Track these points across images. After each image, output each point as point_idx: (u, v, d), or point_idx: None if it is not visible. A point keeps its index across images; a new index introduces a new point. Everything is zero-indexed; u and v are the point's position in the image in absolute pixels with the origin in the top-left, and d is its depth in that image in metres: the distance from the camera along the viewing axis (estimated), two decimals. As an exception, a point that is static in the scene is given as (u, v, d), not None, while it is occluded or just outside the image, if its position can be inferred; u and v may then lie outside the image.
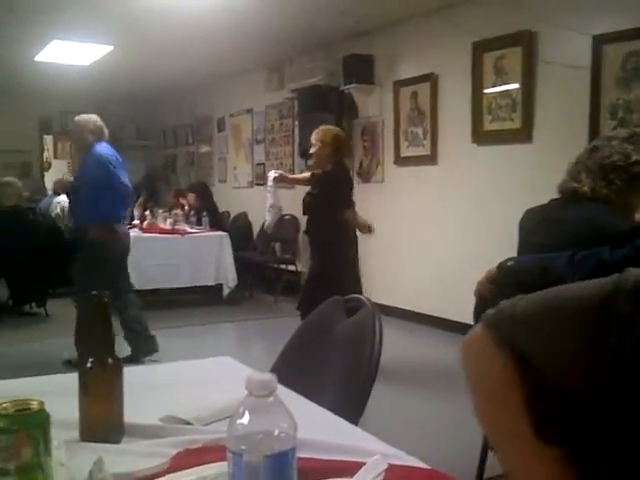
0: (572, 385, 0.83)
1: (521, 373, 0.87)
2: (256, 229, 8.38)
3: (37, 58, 7.87)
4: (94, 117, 4.90)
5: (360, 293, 4.65)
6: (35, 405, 0.91)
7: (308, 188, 4.96)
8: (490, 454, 2.37)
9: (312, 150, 4.82)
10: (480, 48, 5.58)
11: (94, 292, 1.18)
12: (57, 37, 7.02)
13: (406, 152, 6.54)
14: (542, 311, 0.89)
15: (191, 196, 8.39)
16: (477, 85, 5.64)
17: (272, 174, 5.12)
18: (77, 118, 4.88)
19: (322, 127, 4.96)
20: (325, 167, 4.74)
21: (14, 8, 5.88)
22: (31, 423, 0.89)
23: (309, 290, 4.79)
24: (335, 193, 4.71)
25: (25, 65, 8.18)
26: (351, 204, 4.84)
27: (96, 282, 4.28)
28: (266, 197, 5.09)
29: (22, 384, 1.56)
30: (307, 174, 5.24)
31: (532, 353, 0.87)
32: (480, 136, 5.67)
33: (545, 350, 0.86)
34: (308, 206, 4.80)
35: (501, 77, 5.46)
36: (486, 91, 5.58)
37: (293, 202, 8.16)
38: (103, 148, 4.73)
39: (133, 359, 4.34)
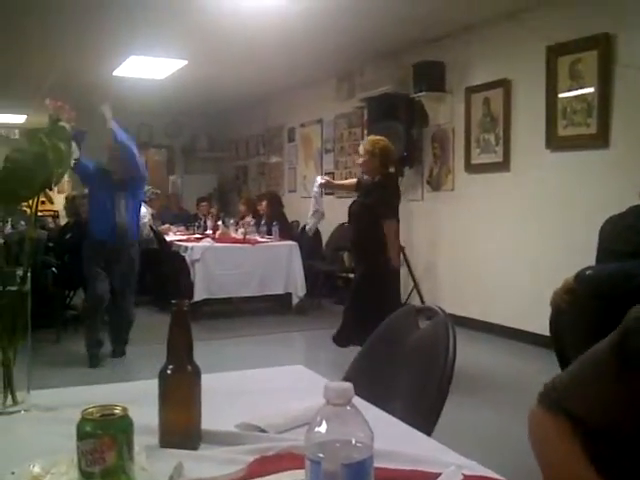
0: (616, 425, 1.01)
1: (574, 428, 1.07)
2: (325, 238, 8.41)
3: (115, 73, 8.15)
4: None
5: (399, 306, 4.66)
6: (119, 411, 0.94)
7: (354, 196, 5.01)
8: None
9: (360, 161, 4.85)
10: (555, 52, 5.47)
11: (173, 300, 1.21)
12: (134, 53, 7.26)
13: (477, 159, 6.46)
14: (574, 376, 1.15)
15: (263, 203, 8.49)
16: (551, 90, 5.52)
17: (319, 179, 5.18)
18: None
19: (370, 138, 5.00)
20: (374, 177, 4.73)
21: (93, 25, 6.11)
22: (115, 428, 0.92)
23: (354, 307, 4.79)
24: (385, 203, 4.71)
25: (104, 79, 8.48)
26: (396, 216, 4.82)
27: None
28: (311, 202, 5.13)
29: (105, 390, 1.62)
30: (353, 180, 5.26)
31: (576, 409, 1.09)
32: (554, 142, 5.55)
33: (585, 404, 1.08)
34: (355, 215, 4.81)
35: (576, 81, 5.33)
36: (561, 96, 5.45)
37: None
38: None
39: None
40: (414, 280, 6.93)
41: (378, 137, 5.01)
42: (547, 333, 2.24)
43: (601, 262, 2.33)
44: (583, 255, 2.53)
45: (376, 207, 4.66)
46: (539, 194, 5.74)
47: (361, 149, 4.83)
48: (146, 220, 8.07)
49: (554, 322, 2.23)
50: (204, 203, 9.57)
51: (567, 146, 5.45)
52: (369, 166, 4.77)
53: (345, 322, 4.77)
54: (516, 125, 6.01)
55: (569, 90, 5.39)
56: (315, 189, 5.12)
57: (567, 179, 5.47)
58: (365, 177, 4.96)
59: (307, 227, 5.79)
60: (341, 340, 4.73)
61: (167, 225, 8.48)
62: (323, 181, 5.17)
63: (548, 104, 5.56)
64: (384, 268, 4.67)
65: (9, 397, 1.39)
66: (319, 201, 5.16)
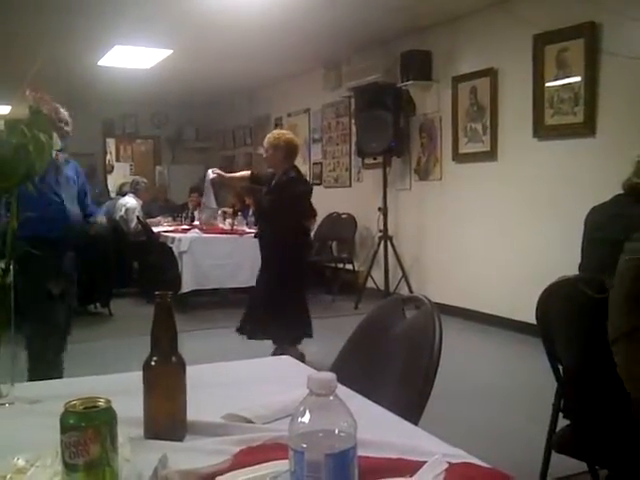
0: None
1: None
2: (313, 228, 8.40)
3: (100, 63, 8.09)
4: None
5: (307, 315, 4.73)
6: (103, 403, 0.94)
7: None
8: (553, 456, 2.32)
9: (264, 155, 4.81)
10: (541, 41, 5.47)
11: (157, 292, 1.21)
12: (119, 42, 7.20)
13: (465, 148, 6.47)
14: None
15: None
16: (538, 79, 5.53)
17: (210, 174, 5.06)
18: None
19: (274, 131, 4.98)
20: (283, 171, 4.69)
21: (77, 14, 6.05)
22: (99, 420, 0.91)
23: (260, 303, 4.74)
24: (302, 201, 4.70)
25: (89, 70, 8.42)
26: (315, 213, 4.92)
27: None
28: (204, 197, 5.03)
29: (89, 382, 1.61)
30: (245, 173, 5.20)
31: None
32: (541, 131, 5.56)
33: None
34: (271, 210, 4.66)
35: (563, 70, 5.34)
36: (547, 84, 5.47)
37: (350, 201, 8.18)
38: None
39: None
40: (402, 270, 6.95)
41: (283, 131, 5.03)
42: (534, 321, 2.25)
43: (588, 252, 2.34)
44: (569, 244, 2.54)
45: (300, 204, 4.66)
46: (526, 183, 5.76)
47: (265, 143, 4.76)
48: (137, 212, 8.04)
49: (541, 310, 2.24)
50: (195, 194, 9.49)
51: (554, 135, 5.47)
52: (274, 160, 4.72)
53: (260, 317, 4.73)
54: (503, 114, 6.02)
55: (556, 79, 5.40)
56: (206, 184, 5.04)
57: (554, 168, 5.49)
58: (269, 171, 4.91)
59: (203, 222, 5.68)
60: (254, 333, 4.75)
61: (159, 218, 8.44)
62: (214, 176, 5.05)
63: (535, 93, 5.57)
64: (299, 262, 4.75)
65: (-7, 390, 1.38)
66: (209, 196, 5.08)
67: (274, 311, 4.60)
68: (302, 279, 4.84)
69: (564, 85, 5.34)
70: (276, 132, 4.94)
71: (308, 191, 4.82)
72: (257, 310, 4.71)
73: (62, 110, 3.69)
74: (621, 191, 2.25)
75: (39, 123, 1.35)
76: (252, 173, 5.10)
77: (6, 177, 1.32)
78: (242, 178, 5.16)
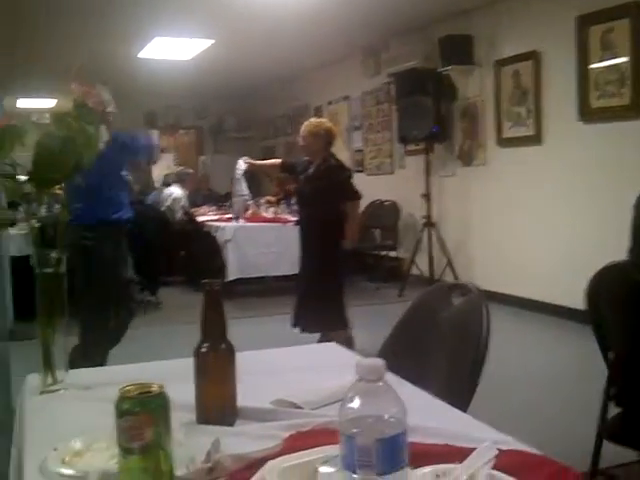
0: None
1: None
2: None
3: (140, 55, 8.17)
4: None
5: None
6: (156, 388, 0.96)
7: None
8: (605, 444, 2.29)
9: (302, 142, 4.74)
10: (586, 22, 5.35)
11: (206, 280, 1.23)
12: (159, 34, 7.27)
13: (509, 133, 6.37)
14: None
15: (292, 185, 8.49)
16: (583, 61, 5.41)
17: (242, 165, 5.01)
18: None
19: (312, 120, 4.92)
20: (322, 159, 4.65)
21: (117, 8, 6.12)
22: (153, 405, 0.93)
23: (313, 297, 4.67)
24: (348, 186, 4.66)
25: (129, 62, 8.52)
26: (361, 195, 4.80)
27: None
28: (233, 186, 4.96)
29: (140, 369, 1.65)
30: (276, 160, 5.16)
31: None
32: (587, 114, 5.44)
33: None
34: (311, 198, 4.64)
35: (608, 51, 5.21)
36: (592, 66, 5.34)
37: (393, 188, 8.14)
38: None
39: None
40: (447, 256, 6.90)
41: (321, 119, 4.98)
42: (582, 307, 2.22)
43: (638, 237, 2.28)
44: (617, 228, 2.49)
45: (344, 189, 4.63)
46: (572, 166, 5.66)
47: (303, 131, 4.71)
48: (182, 202, 8.15)
49: (591, 295, 2.20)
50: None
51: (600, 118, 5.34)
52: (313, 148, 4.68)
53: (309, 308, 4.71)
54: (547, 97, 5.91)
55: (601, 60, 5.27)
56: (237, 174, 4.98)
57: (600, 151, 5.38)
58: (303, 159, 4.87)
59: (233, 214, 5.62)
60: (314, 325, 4.73)
61: (203, 207, 8.54)
62: (246, 166, 4.99)
63: (579, 75, 5.45)
64: (341, 250, 4.71)
65: (49, 376, 1.42)
66: (240, 185, 5.03)
67: (321, 298, 4.60)
68: (342, 266, 4.83)
69: (610, 66, 5.21)
70: (314, 120, 4.93)
71: (351, 176, 4.83)
72: (306, 301, 4.71)
73: (102, 93, 3.75)
74: None
75: (85, 115, 1.37)
76: (283, 161, 5.10)
77: (56, 169, 1.35)
78: (272, 166, 5.18)
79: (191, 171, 8.78)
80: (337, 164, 4.78)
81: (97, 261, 3.67)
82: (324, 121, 4.96)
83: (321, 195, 4.58)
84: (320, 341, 4.42)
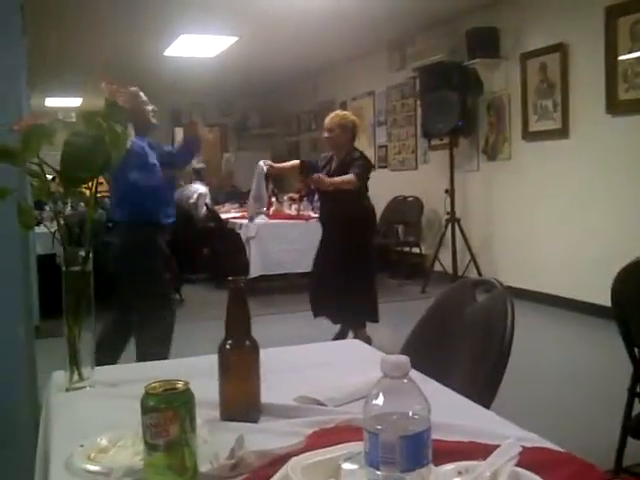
0: None
1: None
2: (379, 212, 8.37)
3: (166, 53, 8.23)
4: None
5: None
6: (181, 385, 0.97)
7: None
8: (629, 442, 2.26)
9: (328, 135, 4.67)
10: (614, 12, 5.27)
11: (230, 277, 1.24)
12: (184, 32, 7.31)
13: (535, 126, 6.31)
14: None
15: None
16: (611, 52, 5.33)
17: (264, 167, 4.81)
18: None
19: (337, 112, 4.84)
20: (346, 153, 4.62)
21: (143, 6, 6.17)
22: (178, 402, 0.94)
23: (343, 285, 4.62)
24: (359, 165, 4.61)
25: (155, 60, 8.58)
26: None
27: None
28: (253, 188, 4.82)
29: (165, 365, 1.66)
30: (295, 162, 5.07)
31: None
32: (615, 106, 5.37)
33: None
34: (337, 190, 4.54)
35: (638, 42, 5.13)
36: (621, 58, 5.27)
37: (416, 184, 8.10)
38: None
39: None
40: (471, 252, 6.85)
41: (345, 112, 4.90)
42: (609, 304, 2.19)
43: None
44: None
45: (363, 179, 4.59)
46: (600, 160, 5.58)
47: (329, 123, 4.65)
48: (207, 199, 8.19)
49: (617, 291, 2.18)
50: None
51: (629, 110, 5.27)
52: (340, 140, 4.63)
53: (343, 302, 4.65)
54: (575, 90, 5.84)
55: (630, 52, 5.20)
56: (257, 176, 4.81)
57: (629, 144, 5.30)
58: (324, 155, 4.85)
59: (248, 215, 5.54)
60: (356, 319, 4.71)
61: (226, 205, 8.57)
62: (266, 168, 4.82)
63: (608, 67, 5.38)
64: (371, 243, 4.75)
65: (75, 373, 1.44)
66: (260, 188, 4.89)
67: (346, 293, 4.58)
68: (371, 259, 4.82)
69: (638, 58, 5.13)
70: (340, 113, 4.87)
71: (371, 166, 4.83)
72: (339, 295, 4.66)
73: (141, 94, 3.83)
74: None
75: (115, 115, 1.39)
76: (302, 162, 5.04)
77: (85, 168, 1.37)
78: (292, 168, 5.09)
79: (203, 165, 8.76)
80: (362, 155, 4.75)
81: (149, 261, 3.74)
82: (349, 113, 4.94)
83: (345, 189, 4.51)
84: (336, 338, 4.41)
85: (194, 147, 4.10)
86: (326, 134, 4.71)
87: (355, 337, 4.49)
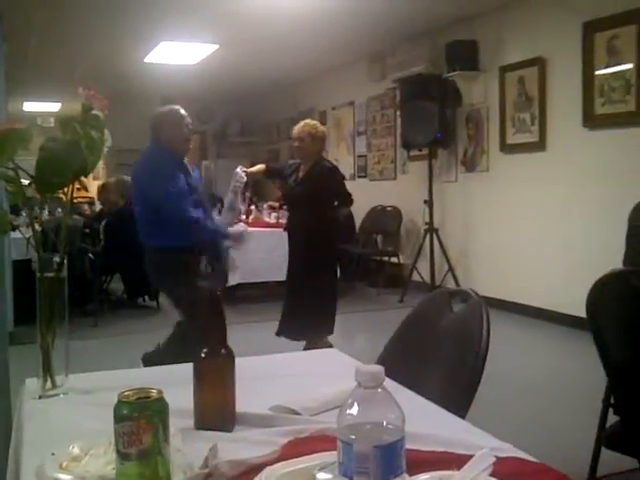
0: None
1: None
2: (358, 222, 8.40)
3: (146, 59, 8.20)
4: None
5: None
6: (155, 394, 0.96)
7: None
8: (603, 452, 2.28)
9: (298, 144, 4.60)
10: (591, 28, 5.35)
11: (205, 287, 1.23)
12: (165, 39, 7.29)
13: (513, 139, 6.37)
14: None
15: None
16: (588, 67, 5.41)
17: (242, 174, 4.51)
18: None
19: (306, 121, 4.75)
20: (309, 162, 4.58)
21: (124, 12, 6.14)
22: (151, 410, 0.93)
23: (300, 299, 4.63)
24: (344, 189, 4.64)
25: (135, 66, 8.54)
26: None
27: None
28: (229, 197, 4.68)
29: (140, 374, 1.65)
30: (260, 166, 4.91)
31: None
32: (592, 120, 5.44)
33: None
34: (304, 200, 4.55)
35: (614, 57, 5.21)
36: (598, 73, 5.34)
37: (395, 194, 8.14)
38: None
39: None
40: (448, 262, 6.89)
41: (314, 121, 4.85)
42: (584, 315, 2.21)
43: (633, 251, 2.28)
44: (621, 236, 2.49)
45: (338, 192, 4.61)
46: (576, 173, 5.65)
47: (299, 132, 4.58)
48: None
49: (592, 302, 2.20)
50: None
51: (605, 124, 5.34)
52: (310, 150, 4.57)
53: (301, 315, 4.61)
54: (552, 104, 5.91)
55: (606, 67, 5.27)
56: (238, 183, 4.67)
57: (605, 158, 5.37)
58: (290, 162, 4.83)
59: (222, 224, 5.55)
60: (298, 333, 4.68)
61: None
62: (243, 172, 4.54)
63: (585, 82, 5.45)
64: (334, 255, 4.76)
65: (48, 381, 1.43)
66: (237, 200, 4.80)
67: (309, 304, 4.56)
68: (335, 270, 4.82)
69: (615, 73, 5.21)
70: (310, 122, 4.77)
71: (344, 179, 4.84)
72: (297, 308, 4.65)
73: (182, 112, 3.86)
74: None
75: (91, 120, 1.38)
76: (267, 166, 4.92)
77: (60, 173, 1.36)
78: (257, 172, 4.93)
79: None
80: (331, 166, 4.74)
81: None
82: (319, 123, 4.86)
83: (314, 199, 4.50)
84: (306, 349, 4.38)
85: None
86: (296, 143, 4.63)
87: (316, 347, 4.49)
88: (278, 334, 4.67)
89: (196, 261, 3.80)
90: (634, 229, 2.28)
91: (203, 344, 1.24)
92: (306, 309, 4.54)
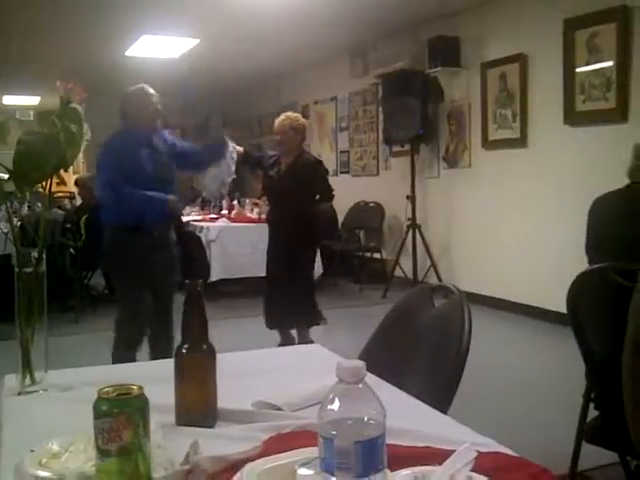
0: None
1: None
2: (341, 217, 8.40)
3: (127, 53, 8.13)
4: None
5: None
6: (135, 390, 0.95)
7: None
8: (584, 447, 2.30)
9: (279, 138, 4.59)
10: (572, 25, 5.38)
11: (187, 281, 1.22)
12: (146, 32, 7.23)
13: (494, 135, 6.40)
14: None
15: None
16: (569, 64, 5.44)
17: (236, 147, 4.38)
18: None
19: (287, 114, 4.72)
20: (291, 155, 4.58)
21: (105, 5, 6.09)
22: (131, 407, 0.92)
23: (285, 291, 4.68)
24: (327, 182, 4.67)
25: (116, 60, 8.47)
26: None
27: None
28: (224, 166, 4.52)
29: (121, 370, 1.64)
30: (240, 148, 4.58)
31: None
32: (572, 117, 5.48)
33: None
34: (287, 194, 4.54)
35: (595, 55, 5.25)
36: (578, 70, 5.38)
37: (378, 190, 8.15)
38: None
39: None
40: (431, 258, 6.92)
41: (295, 113, 4.83)
42: (565, 310, 2.23)
43: (599, 247, 2.31)
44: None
45: (320, 188, 4.63)
46: (557, 169, 5.69)
47: (281, 126, 4.56)
48: None
49: (572, 298, 2.22)
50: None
51: (586, 121, 5.38)
52: (292, 144, 4.56)
53: (280, 307, 4.69)
54: (533, 100, 5.94)
55: (587, 64, 5.31)
56: (234, 155, 4.50)
57: (585, 154, 5.41)
58: (270, 154, 4.78)
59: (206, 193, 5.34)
60: (281, 323, 4.73)
61: (186, 208, 8.49)
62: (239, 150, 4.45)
63: (566, 79, 5.49)
64: (314, 249, 4.84)
65: (27, 377, 1.41)
66: (230, 166, 4.62)
67: (292, 296, 4.59)
68: (313, 264, 4.89)
69: (595, 70, 5.25)
70: (291, 115, 4.73)
71: (327, 173, 4.83)
72: (278, 299, 4.70)
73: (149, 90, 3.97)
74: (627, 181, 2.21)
75: (70, 114, 1.36)
76: (246, 151, 4.67)
77: (38, 167, 1.34)
78: (237, 152, 4.90)
79: None
80: (314, 160, 4.74)
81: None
82: (299, 116, 4.82)
83: (297, 192, 4.50)
84: (281, 345, 4.40)
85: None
86: (278, 137, 4.62)
87: (300, 338, 4.53)
88: (271, 328, 4.73)
89: (138, 239, 3.74)
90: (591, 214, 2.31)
91: (184, 339, 1.23)
92: (289, 299, 4.59)
